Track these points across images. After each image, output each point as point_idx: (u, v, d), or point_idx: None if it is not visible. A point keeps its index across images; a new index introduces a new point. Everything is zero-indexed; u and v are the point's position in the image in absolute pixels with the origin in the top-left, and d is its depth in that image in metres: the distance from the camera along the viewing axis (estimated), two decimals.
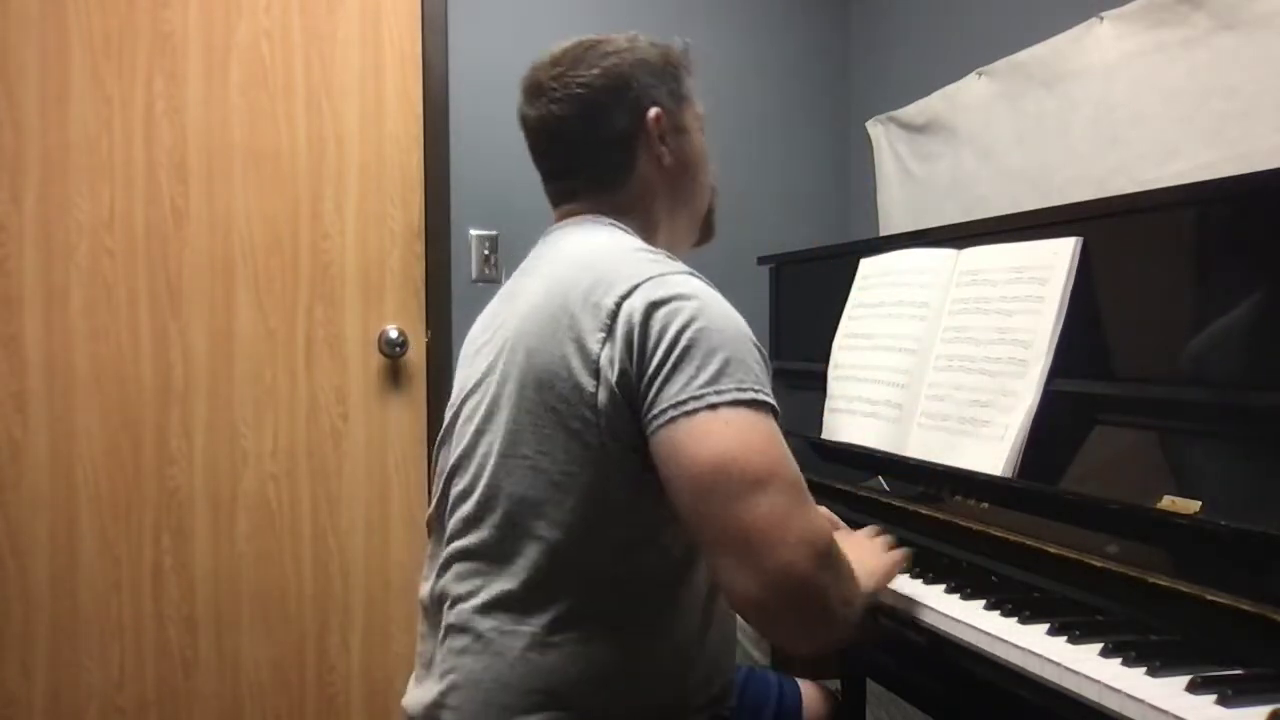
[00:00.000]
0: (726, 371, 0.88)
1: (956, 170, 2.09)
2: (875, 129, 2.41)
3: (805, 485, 0.88)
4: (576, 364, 0.92)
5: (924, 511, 1.33)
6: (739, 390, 0.87)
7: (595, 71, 1.07)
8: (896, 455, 1.39)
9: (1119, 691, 0.81)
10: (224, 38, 2.05)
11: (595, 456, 0.93)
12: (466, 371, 1.10)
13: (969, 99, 2.04)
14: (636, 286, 0.93)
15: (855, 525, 1.42)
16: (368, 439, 2.17)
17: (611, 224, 1.08)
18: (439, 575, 1.05)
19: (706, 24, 2.47)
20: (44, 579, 1.96)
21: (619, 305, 0.92)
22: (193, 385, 2.04)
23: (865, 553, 1.09)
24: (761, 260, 2.10)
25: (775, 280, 2.10)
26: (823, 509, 1.37)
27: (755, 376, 0.90)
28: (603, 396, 0.91)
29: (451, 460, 1.07)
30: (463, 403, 1.07)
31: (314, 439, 2.13)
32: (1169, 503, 0.98)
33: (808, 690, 1.30)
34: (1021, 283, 1.25)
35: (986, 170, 2.00)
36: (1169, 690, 0.80)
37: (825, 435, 1.58)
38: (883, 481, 1.45)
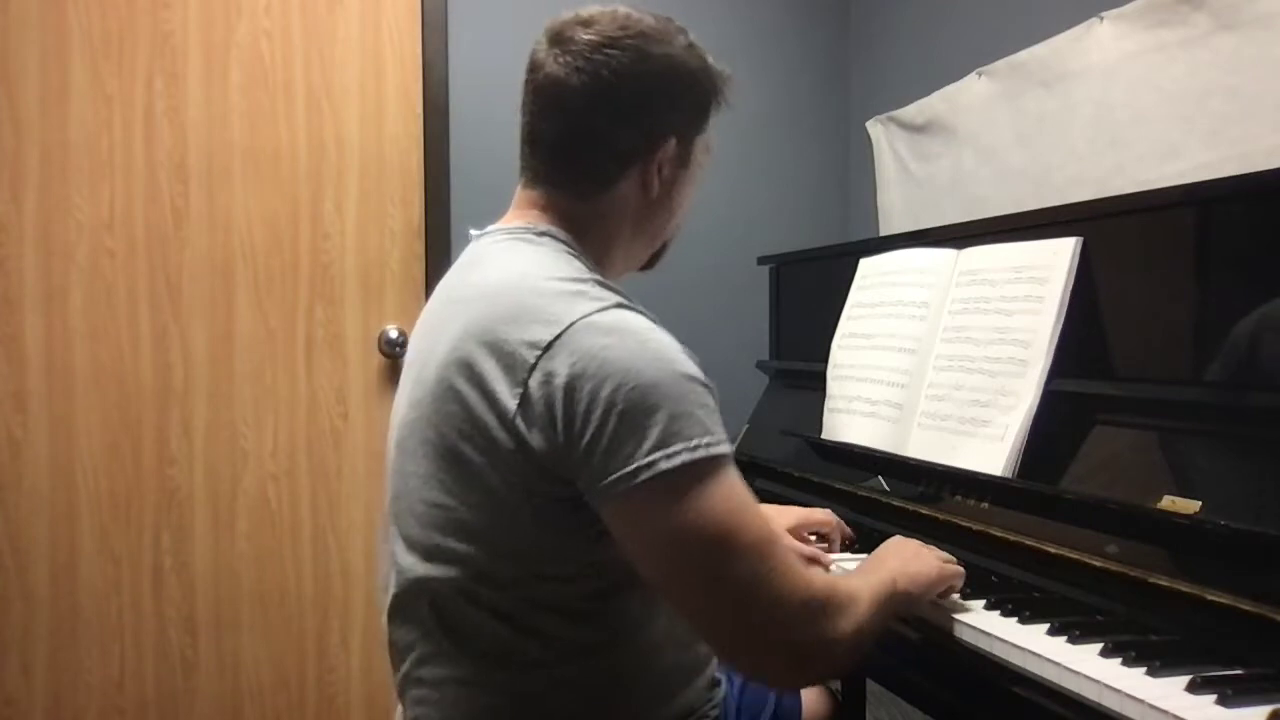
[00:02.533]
0: (672, 430, 0.81)
1: (956, 170, 2.09)
2: (875, 129, 2.41)
3: (772, 533, 0.85)
4: (490, 420, 0.86)
5: (924, 511, 1.33)
6: (689, 451, 0.81)
7: (640, 68, 0.96)
8: (896, 455, 1.39)
9: (1119, 691, 0.81)
10: (224, 38, 2.05)
11: (509, 510, 0.88)
12: (399, 395, 1.04)
13: (969, 99, 2.04)
14: (554, 340, 0.84)
15: (855, 526, 1.42)
16: (368, 439, 2.17)
17: (545, 237, 0.98)
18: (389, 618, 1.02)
19: (707, 24, 2.45)
20: (44, 579, 1.96)
21: (534, 365, 0.84)
22: (193, 385, 2.04)
23: (910, 557, 1.05)
24: (761, 260, 2.10)
25: (775, 280, 2.10)
26: (825, 512, 1.39)
27: (702, 426, 0.83)
28: (518, 458, 0.85)
29: (387, 494, 1.02)
30: (394, 429, 1.02)
31: (314, 439, 2.13)
32: (1169, 503, 0.98)
33: (807, 691, 1.30)
34: (1021, 283, 1.25)
35: (986, 170, 2.00)
36: (1169, 690, 0.80)
37: (825, 435, 1.58)
38: (883, 481, 1.45)
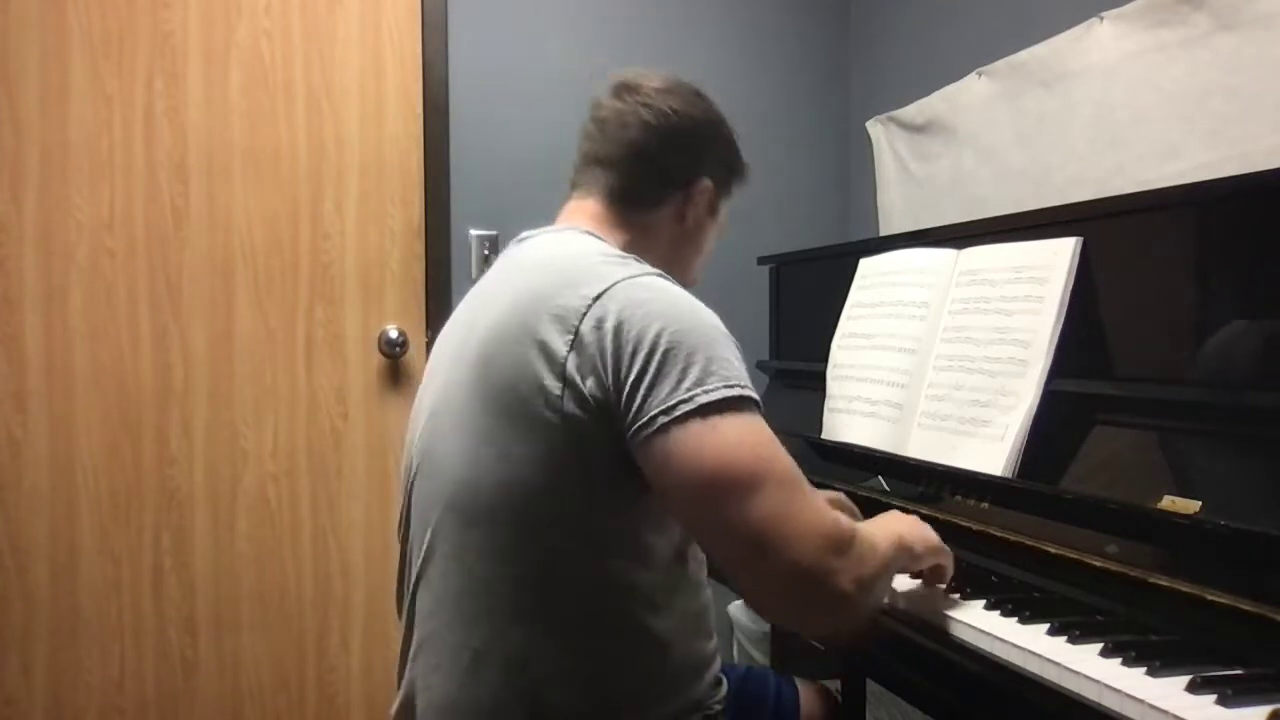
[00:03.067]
0: (710, 370, 0.89)
1: (956, 170, 2.09)
2: (875, 129, 2.41)
3: (800, 474, 0.89)
4: (541, 367, 0.91)
5: (924, 511, 1.32)
6: (726, 388, 0.88)
7: (694, 112, 1.13)
8: (896, 455, 1.39)
9: (1119, 691, 0.81)
10: (224, 38, 2.05)
11: (564, 461, 0.92)
12: (430, 377, 1.09)
13: (969, 99, 2.04)
14: (603, 292, 0.92)
15: None
16: (368, 439, 2.17)
17: (587, 233, 1.07)
18: (411, 586, 1.05)
19: (707, 24, 2.47)
20: (44, 579, 1.96)
21: (585, 311, 0.92)
22: (193, 385, 2.04)
23: (913, 521, 1.08)
24: (761, 260, 2.10)
25: (775, 280, 2.10)
26: (831, 494, 1.39)
27: (737, 372, 0.91)
28: (570, 404, 0.90)
29: (414, 466, 1.06)
30: (425, 408, 1.07)
31: (314, 439, 2.13)
32: (1169, 503, 0.98)
33: (806, 691, 1.30)
34: (1021, 282, 1.25)
35: (986, 170, 2.00)
36: (1169, 690, 0.80)
37: (825, 435, 1.58)
38: (883, 481, 1.45)
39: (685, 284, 1.14)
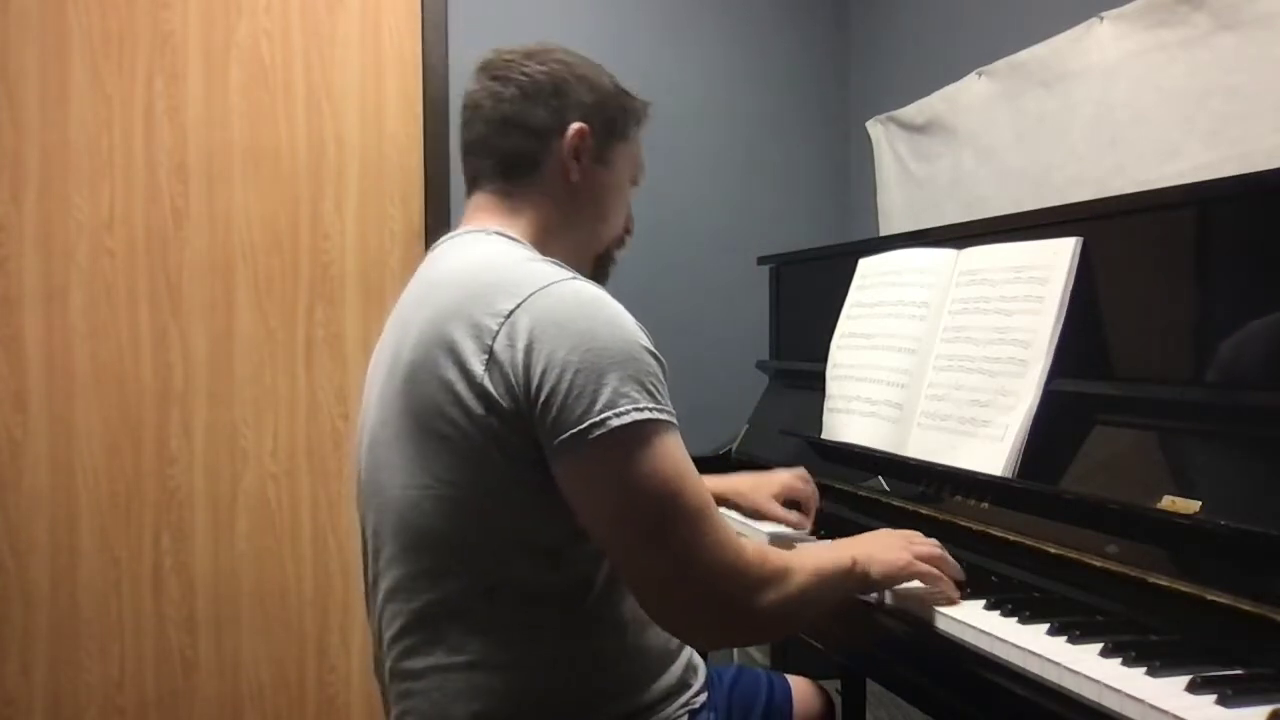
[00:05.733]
0: (622, 391, 0.87)
1: (956, 170, 2.09)
2: (875, 129, 2.41)
3: (707, 501, 0.90)
4: (461, 388, 0.91)
5: (924, 511, 1.32)
6: (637, 411, 0.87)
7: (541, 68, 1.07)
8: (896, 455, 1.39)
9: (1119, 691, 0.81)
10: (224, 38, 2.05)
11: (493, 476, 0.92)
12: (365, 404, 1.08)
13: (969, 99, 2.04)
14: (515, 308, 0.90)
15: (855, 526, 1.42)
16: None
17: (498, 234, 1.05)
18: (377, 612, 1.04)
19: (707, 24, 2.47)
20: (44, 579, 1.96)
21: (498, 330, 0.90)
22: (193, 385, 2.04)
23: (880, 542, 1.08)
24: (761, 260, 2.10)
25: (775, 280, 2.10)
26: (798, 474, 1.40)
27: (650, 392, 0.89)
28: (493, 420, 0.90)
29: (364, 496, 1.06)
30: (365, 437, 1.06)
31: (314, 439, 2.13)
32: (1169, 503, 0.98)
33: (801, 688, 1.30)
34: (1021, 283, 1.25)
35: (986, 170, 2.00)
36: (1169, 690, 0.80)
37: (825, 435, 1.58)
38: (883, 481, 1.45)
39: (607, 246, 1.15)
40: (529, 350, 0.89)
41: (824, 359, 1.65)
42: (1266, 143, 1.38)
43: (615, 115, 1.12)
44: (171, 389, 2.03)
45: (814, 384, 1.68)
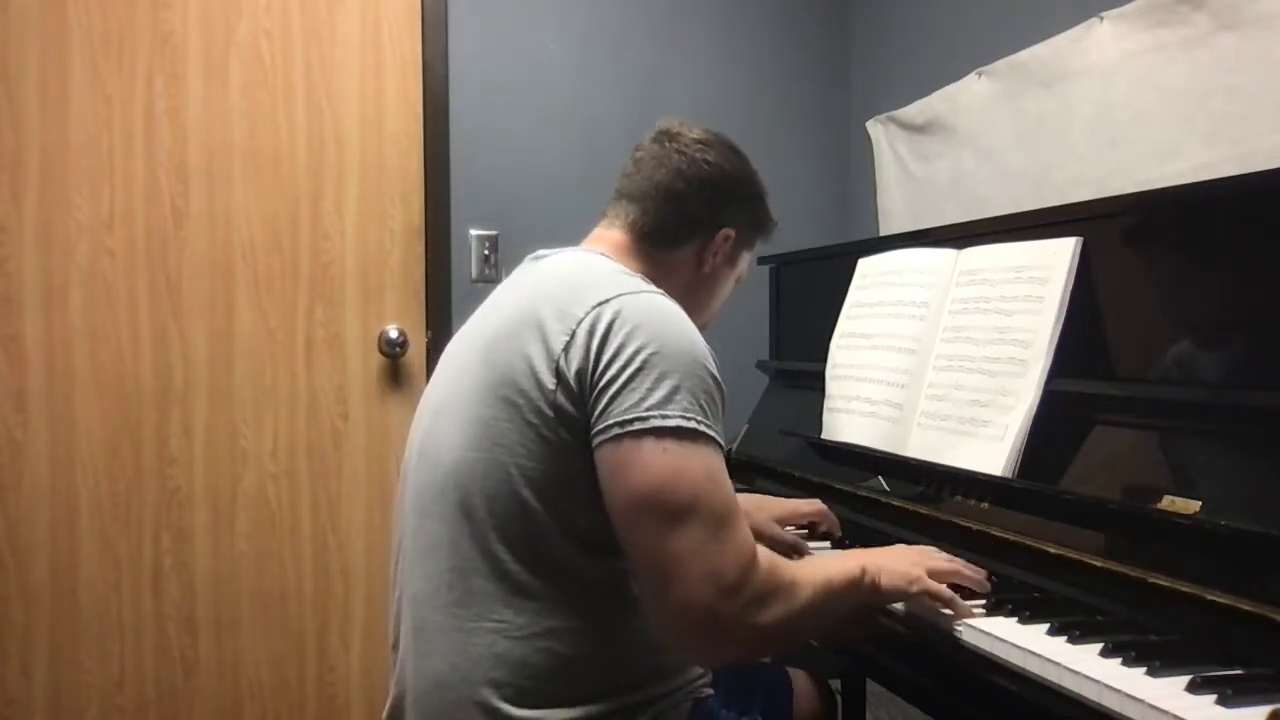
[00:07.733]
0: (675, 398, 0.92)
1: (956, 170, 2.09)
2: (875, 129, 2.41)
3: (734, 514, 0.92)
4: (539, 362, 0.96)
5: (924, 511, 1.33)
6: (683, 418, 0.91)
7: (725, 166, 1.17)
8: (896, 455, 1.39)
9: (1119, 691, 0.81)
10: (224, 38, 2.05)
11: (554, 452, 0.96)
12: (436, 377, 1.13)
13: (969, 99, 2.04)
14: (606, 300, 0.97)
15: (855, 526, 1.42)
16: (368, 439, 2.16)
17: (603, 255, 1.11)
18: (399, 574, 1.08)
19: (707, 24, 2.47)
20: (44, 579, 1.96)
21: (585, 315, 0.96)
22: (193, 385, 2.04)
23: (895, 553, 1.10)
24: (761, 260, 2.10)
25: (775, 280, 2.11)
26: (813, 504, 1.42)
27: (701, 407, 0.94)
28: (561, 397, 0.95)
29: (415, 454, 1.09)
30: (430, 405, 1.10)
31: (314, 439, 2.13)
32: (1169, 503, 0.98)
33: (801, 682, 1.31)
34: (1021, 283, 1.25)
35: (986, 170, 2.00)
36: (1169, 690, 0.80)
37: (825, 435, 1.58)
38: (883, 481, 1.45)
39: (697, 326, 1.18)
40: (605, 337, 0.94)
41: (824, 359, 1.65)
42: (1266, 143, 1.39)
43: (756, 230, 1.24)
44: (171, 389, 2.03)
45: (814, 384, 1.68)
